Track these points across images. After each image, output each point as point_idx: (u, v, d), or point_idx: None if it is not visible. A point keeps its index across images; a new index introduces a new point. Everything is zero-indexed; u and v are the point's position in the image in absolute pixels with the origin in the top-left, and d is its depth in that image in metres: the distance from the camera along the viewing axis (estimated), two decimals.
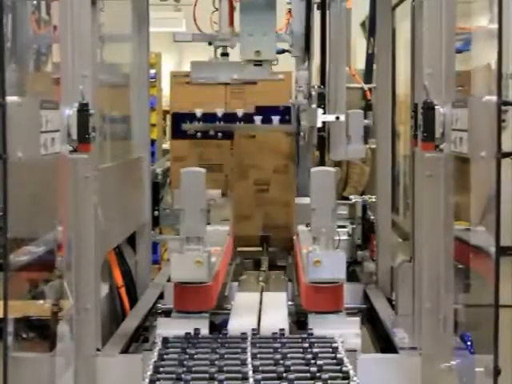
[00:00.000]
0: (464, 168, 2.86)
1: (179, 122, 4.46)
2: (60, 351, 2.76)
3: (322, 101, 3.68)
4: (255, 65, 3.44)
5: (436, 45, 2.83)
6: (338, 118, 3.62)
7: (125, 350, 3.23)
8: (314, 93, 3.82)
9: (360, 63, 6.67)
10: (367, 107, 5.15)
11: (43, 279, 3.01)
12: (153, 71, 8.03)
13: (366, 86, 5.32)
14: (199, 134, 4.48)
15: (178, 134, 4.52)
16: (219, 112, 4.32)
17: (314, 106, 3.74)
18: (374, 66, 5.12)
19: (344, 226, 4.31)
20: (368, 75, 6.15)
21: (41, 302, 3.03)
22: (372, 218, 4.30)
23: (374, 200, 4.33)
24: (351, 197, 4.61)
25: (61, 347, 2.78)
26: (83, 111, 2.77)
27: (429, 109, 2.79)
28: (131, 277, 4.27)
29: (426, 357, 2.94)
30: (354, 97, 5.36)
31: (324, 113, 3.67)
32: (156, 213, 4.38)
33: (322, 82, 3.83)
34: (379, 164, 4.23)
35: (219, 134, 4.52)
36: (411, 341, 3.09)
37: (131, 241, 4.34)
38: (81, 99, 2.78)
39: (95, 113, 2.84)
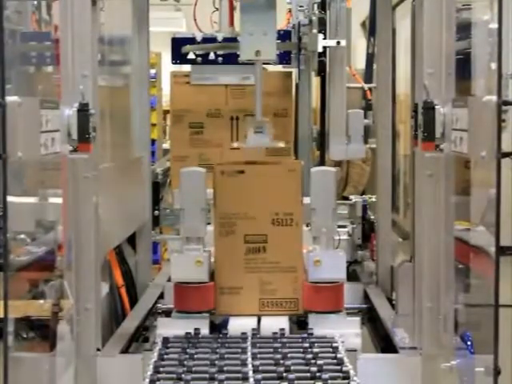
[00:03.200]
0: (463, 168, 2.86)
1: (179, 46, 4.33)
2: (60, 351, 2.76)
3: (322, 26, 3.72)
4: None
5: (436, 44, 2.84)
6: (338, 42, 3.65)
7: (125, 350, 3.23)
8: (314, 18, 3.84)
9: (360, 63, 6.68)
10: (367, 107, 5.15)
11: (43, 279, 3.01)
12: (153, 71, 8.04)
13: (366, 86, 5.32)
14: (199, 59, 4.35)
15: (177, 58, 4.40)
16: (219, 36, 4.22)
17: (314, 31, 3.76)
18: (374, 66, 5.12)
19: (344, 226, 4.30)
20: (368, 75, 6.15)
21: (41, 301, 3.03)
22: (372, 217, 4.30)
23: (374, 200, 4.32)
24: (351, 196, 4.60)
25: (61, 347, 2.78)
26: (83, 111, 2.77)
27: (429, 109, 2.79)
28: (131, 277, 4.26)
29: (426, 356, 2.94)
30: (355, 96, 5.36)
31: (324, 38, 3.69)
32: (156, 212, 4.38)
33: (323, 6, 3.86)
34: (379, 164, 4.23)
35: (219, 59, 4.33)
36: (411, 340, 3.08)
37: (131, 241, 4.33)
38: (81, 99, 2.78)
39: (95, 113, 2.84)
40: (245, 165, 3.35)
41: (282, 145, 3.47)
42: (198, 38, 4.27)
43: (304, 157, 4.81)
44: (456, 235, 2.86)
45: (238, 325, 3.18)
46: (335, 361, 2.79)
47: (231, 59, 4.06)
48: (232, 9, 4.18)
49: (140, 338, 3.59)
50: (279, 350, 2.88)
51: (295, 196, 3.29)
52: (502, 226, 2.37)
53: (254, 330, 3.11)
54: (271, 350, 2.90)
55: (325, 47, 3.80)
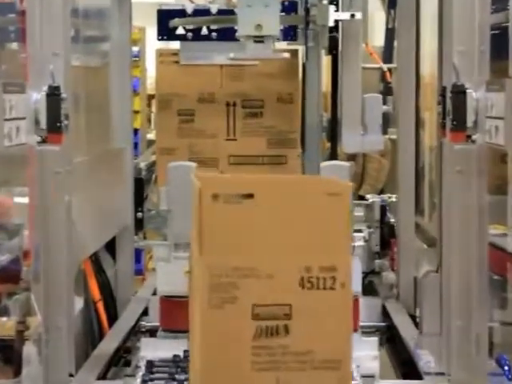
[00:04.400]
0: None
1: (166, 20, 4.31)
2: (26, 377, 2.76)
3: None
4: (255, 41, 3.44)
5: (468, 18, 2.83)
6: (353, 15, 3.66)
7: (103, 376, 3.23)
8: None
9: (378, 40, 6.68)
10: (387, 91, 5.14)
11: (6, 292, 3.01)
12: (136, 49, 8.06)
13: (385, 67, 5.31)
14: (190, 35, 4.34)
15: (164, 34, 4.38)
16: (213, 8, 4.20)
17: (324, 2, 3.75)
18: (395, 43, 5.12)
19: (360, 230, 4.30)
20: (388, 53, 6.15)
21: (3, 319, 3.03)
22: (392, 220, 4.31)
23: (394, 200, 4.33)
24: (368, 196, 4.60)
25: (27, 372, 2.78)
26: (54, 95, 2.77)
27: (459, 93, 2.79)
28: (110, 289, 4.27)
29: (455, 383, 2.94)
30: (372, 79, 5.36)
31: (336, 10, 3.69)
32: (139, 214, 4.37)
33: None
34: (401, 158, 4.24)
35: (213, 35, 4.30)
36: (438, 365, 3.09)
37: (110, 247, 4.34)
38: (51, 81, 2.78)
39: (68, 97, 2.83)
40: (252, 182, 2.33)
41: (286, 55, 3.55)
42: (189, 10, 4.27)
43: (312, 149, 4.81)
44: (491, 241, 2.86)
45: None
46: None
47: (227, 35, 4.06)
48: None
49: (120, 361, 3.60)
50: None
51: (341, 238, 2.29)
52: None
53: None
54: None
55: (337, 21, 3.80)
